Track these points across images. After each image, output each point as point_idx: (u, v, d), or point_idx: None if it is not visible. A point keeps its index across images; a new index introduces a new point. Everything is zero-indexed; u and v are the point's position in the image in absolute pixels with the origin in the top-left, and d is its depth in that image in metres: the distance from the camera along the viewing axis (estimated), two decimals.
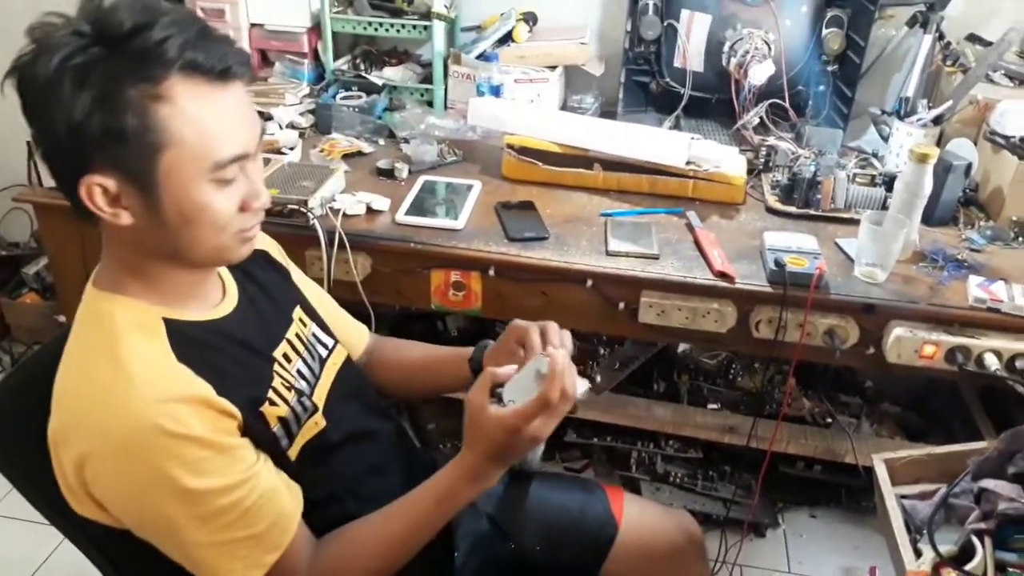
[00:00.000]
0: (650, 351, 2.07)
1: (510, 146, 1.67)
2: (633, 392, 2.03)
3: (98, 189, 0.79)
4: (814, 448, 1.87)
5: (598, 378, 1.96)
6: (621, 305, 1.42)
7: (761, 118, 1.77)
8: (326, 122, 1.85)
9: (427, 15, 1.91)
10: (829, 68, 1.88)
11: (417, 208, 1.54)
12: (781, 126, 1.82)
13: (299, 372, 1.01)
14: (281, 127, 1.81)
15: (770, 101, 1.77)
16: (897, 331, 1.32)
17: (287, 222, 1.47)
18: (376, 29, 1.94)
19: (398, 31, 1.94)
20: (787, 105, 1.80)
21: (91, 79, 0.75)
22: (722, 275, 1.38)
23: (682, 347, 2.11)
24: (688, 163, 1.58)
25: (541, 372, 0.88)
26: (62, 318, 2.38)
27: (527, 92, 1.91)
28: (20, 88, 0.78)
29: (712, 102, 1.91)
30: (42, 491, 0.92)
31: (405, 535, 0.94)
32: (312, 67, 2.01)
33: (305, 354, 1.04)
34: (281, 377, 0.96)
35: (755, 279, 1.38)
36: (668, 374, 2.08)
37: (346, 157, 1.74)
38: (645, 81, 1.97)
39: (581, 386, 0.92)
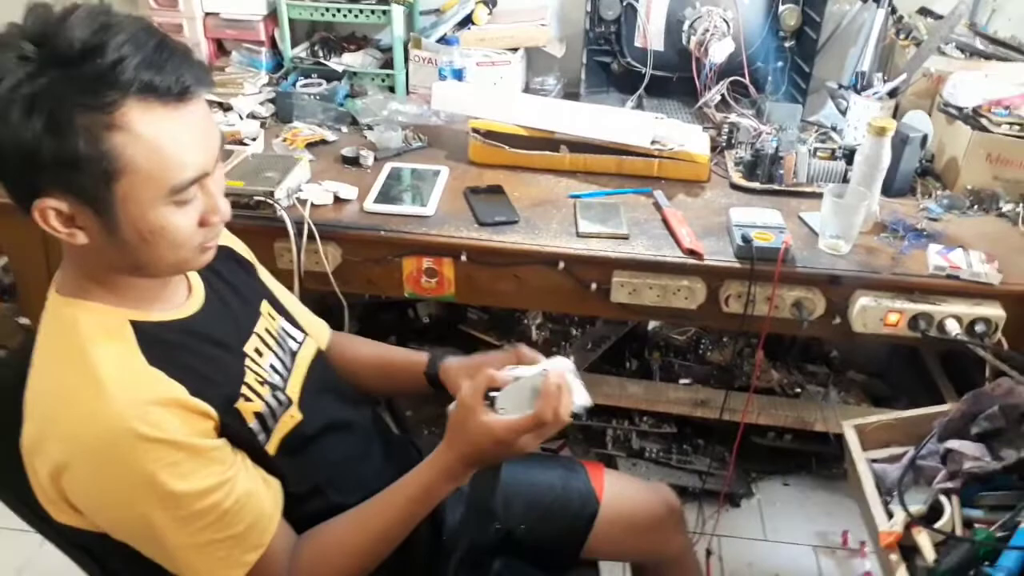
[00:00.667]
0: (621, 330, 2.09)
1: (476, 130, 1.66)
2: (606, 371, 2.07)
3: (52, 212, 0.78)
4: (784, 418, 1.92)
5: (572, 357, 1.98)
6: (593, 286, 1.43)
7: (723, 95, 1.79)
8: (287, 111, 1.83)
9: (385, 0, 1.89)
10: (786, 44, 1.90)
11: (385, 196, 1.53)
12: (742, 103, 1.85)
13: (271, 366, 1.01)
14: (241, 117, 1.79)
15: (731, 78, 1.80)
16: (862, 301, 1.36)
17: (254, 214, 1.45)
18: (334, 15, 1.92)
19: (356, 16, 1.92)
20: (747, 82, 1.82)
21: (40, 106, 0.72)
22: (691, 252, 1.39)
23: (652, 325, 2.14)
24: (653, 142, 1.59)
25: (537, 388, 0.89)
26: (23, 320, 2.33)
27: (489, 75, 1.90)
28: None
29: (673, 81, 1.92)
30: (21, 498, 0.90)
31: (381, 533, 0.96)
32: (270, 55, 1.98)
33: (276, 348, 1.04)
34: (253, 372, 0.96)
35: (723, 255, 1.40)
36: (640, 352, 2.11)
37: (310, 146, 1.72)
38: (607, 61, 1.98)
39: (581, 400, 0.93)
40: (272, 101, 1.87)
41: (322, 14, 1.92)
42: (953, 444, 1.17)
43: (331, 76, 1.92)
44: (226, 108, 1.80)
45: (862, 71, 1.75)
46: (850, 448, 1.27)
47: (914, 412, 1.33)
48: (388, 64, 1.99)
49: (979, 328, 1.33)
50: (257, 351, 0.99)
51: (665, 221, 1.48)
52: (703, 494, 1.91)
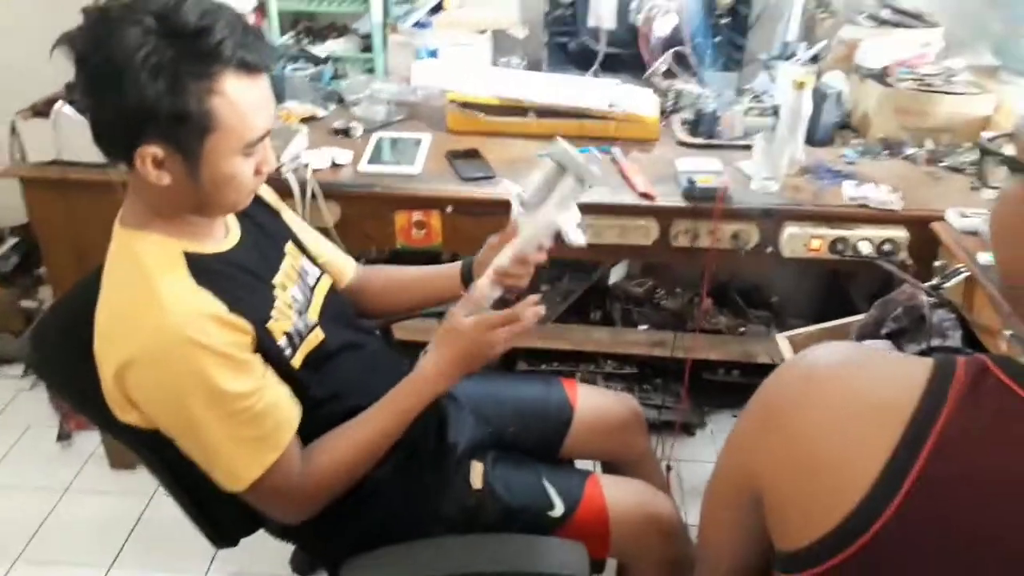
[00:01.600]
0: (586, 284, 2.33)
1: (453, 101, 1.88)
2: (573, 321, 2.29)
3: (149, 157, 0.94)
4: (731, 353, 2.17)
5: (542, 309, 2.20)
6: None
7: (668, 67, 2.03)
8: (279, 92, 2.02)
9: None
10: (722, 21, 2.15)
11: (376, 158, 1.74)
12: (683, 75, 2.09)
13: (294, 297, 1.18)
14: None
15: (674, 50, 2.04)
16: (790, 230, 1.60)
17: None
18: (318, 5, 2.12)
19: (338, 5, 2.12)
20: (689, 53, 2.06)
21: (164, 72, 0.89)
22: (645, 195, 1.63)
23: (613, 279, 2.37)
24: (610, 105, 1.82)
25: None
26: (26, 303, 2.47)
27: (460, 55, 2.12)
28: (86, 68, 0.92)
29: (624, 56, 2.15)
30: (94, 406, 1.07)
31: (375, 438, 1.12)
32: None
33: (298, 281, 1.22)
34: (281, 300, 1.13)
35: (672, 197, 1.64)
36: (602, 303, 2.34)
37: (303, 121, 1.91)
38: (565, 41, 2.20)
39: (575, 233, 1.18)
40: None
41: (307, 4, 2.12)
42: (867, 343, 1.42)
43: (316, 61, 2.12)
44: None
45: (788, 41, 2.00)
46: (785, 356, 1.50)
47: (837, 322, 1.57)
48: (367, 49, 2.19)
49: (887, 248, 1.58)
50: (283, 284, 1.17)
51: (622, 172, 1.72)
52: (662, 425, 2.15)
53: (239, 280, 1.08)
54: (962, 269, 1.45)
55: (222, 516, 1.20)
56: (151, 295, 0.98)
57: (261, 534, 1.31)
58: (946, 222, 1.53)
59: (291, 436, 1.06)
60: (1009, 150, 0.66)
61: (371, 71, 2.18)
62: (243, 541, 1.91)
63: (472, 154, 1.78)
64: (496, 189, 1.65)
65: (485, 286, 1.20)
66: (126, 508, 2.00)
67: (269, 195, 1.32)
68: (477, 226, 1.67)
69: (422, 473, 1.25)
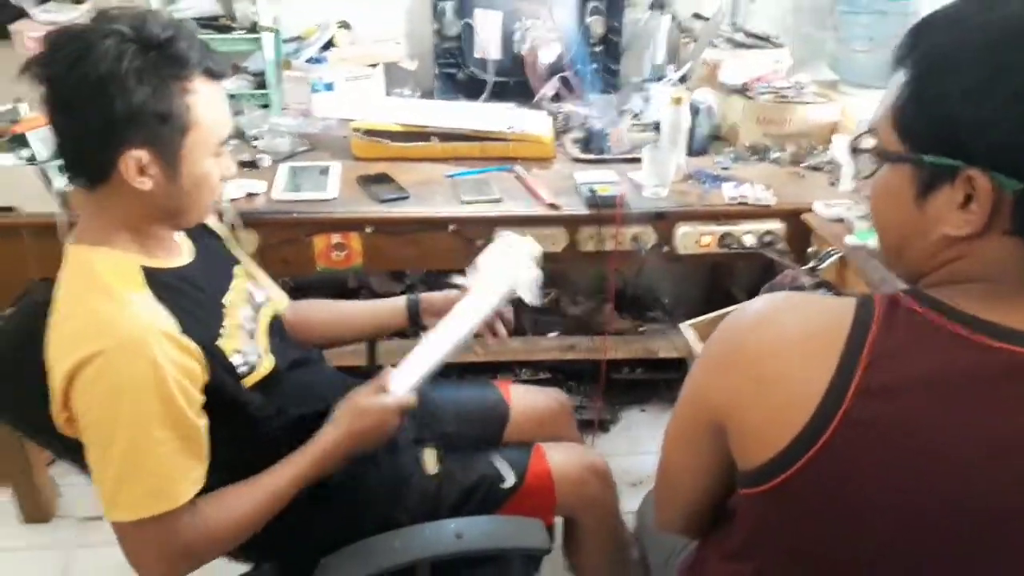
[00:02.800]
0: None
1: (357, 130, 1.95)
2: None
3: (133, 162, 0.99)
4: (636, 350, 2.33)
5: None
6: (479, 242, 1.75)
7: (556, 91, 2.19)
8: None
9: (253, 28, 2.14)
10: (597, 49, 2.34)
11: (290, 187, 1.78)
12: (568, 98, 2.25)
13: (245, 317, 1.22)
14: None
15: (559, 75, 2.20)
16: (683, 229, 1.77)
17: None
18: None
19: (230, 46, 2.15)
20: (571, 77, 2.23)
21: (147, 75, 0.97)
22: (552, 206, 1.76)
23: None
24: (509, 127, 1.95)
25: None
26: None
27: (355, 88, 2.19)
28: (63, 86, 0.96)
29: (511, 84, 2.30)
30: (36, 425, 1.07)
31: (270, 500, 1.12)
32: None
33: (247, 303, 1.25)
34: (231, 319, 1.17)
35: (576, 207, 1.77)
36: (514, 315, 2.45)
37: None
38: (453, 72, 2.32)
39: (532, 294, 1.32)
40: None
41: None
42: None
43: None
44: None
45: (657, 64, 2.21)
46: (690, 342, 1.66)
47: (731, 308, 1.75)
48: (260, 85, 2.23)
49: (768, 239, 1.78)
50: (233, 303, 1.21)
51: (527, 187, 1.84)
52: (581, 424, 2.27)
53: (192, 296, 1.12)
54: (833, 252, 1.66)
55: None
56: (115, 302, 1.00)
57: (208, 567, 1.30)
58: (814, 213, 1.75)
59: (189, 496, 1.03)
60: (869, 143, 0.81)
61: (266, 106, 2.21)
62: None
63: (383, 178, 1.85)
64: (413, 208, 1.73)
65: (399, 382, 1.24)
66: (46, 564, 1.91)
67: (211, 221, 1.35)
68: (397, 244, 1.75)
69: (379, 468, 1.31)
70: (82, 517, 2.03)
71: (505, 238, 1.42)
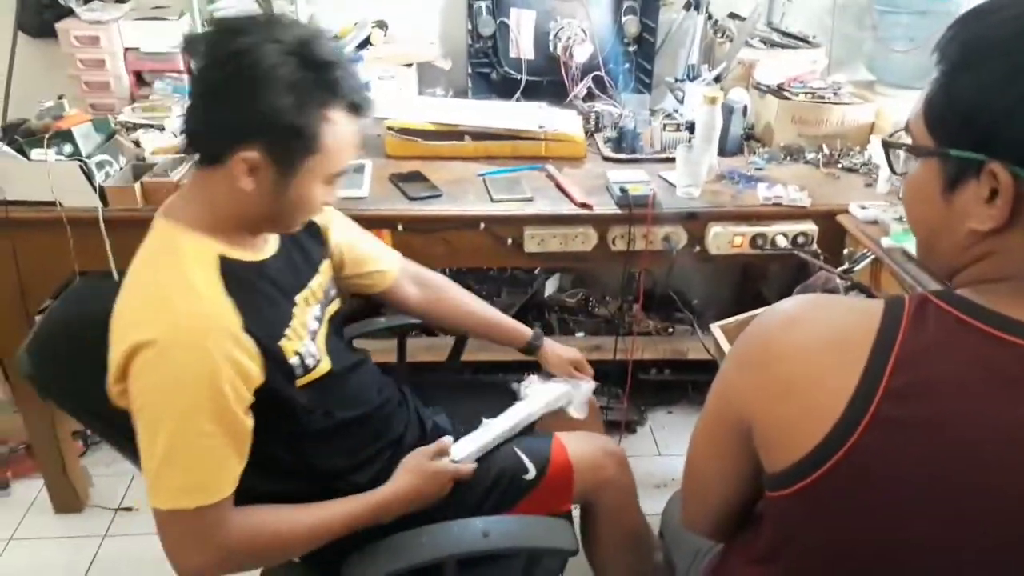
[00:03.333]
0: (523, 298, 2.44)
1: (391, 128, 1.97)
2: None
3: (246, 162, 1.01)
4: (663, 351, 2.32)
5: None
6: (510, 241, 1.77)
7: (589, 89, 2.19)
8: None
9: None
10: (631, 48, 2.33)
11: None
12: (601, 97, 2.25)
13: (313, 317, 1.23)
14: (176, 135, 2.00)
15: (592, 75, 2.20)
16: (715, 229, 1.76)
17: None
18: None
19: None
20: (605, 76, 2.23)
21: (295, 90, 1.00)
22: (583, 205, 1.76)
23: (547, 291, 2.50)
24: (540, 127, 1.96)
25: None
26: None
27: (390, 87, 2.21)
28: (218, 70, 1.00)
29: (544, 83, 2.30)
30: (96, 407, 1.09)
31: (315, 531, 1.13)
32: (189, 83, 2.20)
33: (321, 300, 1.27)
34: (298, 318, 1.18)
35: (607, 206, 1.77)
36: (540, 315, 2.46)
37: None
38: (487, 72, 2.33)
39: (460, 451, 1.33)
40: None
41: None
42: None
43: None
44: (159, 128, 2.01)
45: (692, 64, 2.20)
46: (720, 343, 1.64)
47: (761, 310, 1.73)
48: None
49: (800, 240, 1.77)
50: (306, 300, 1.22)
51: (559, 186, 1.84)
52: (607, 425, 2.27)
53: (265, 293, 1.13)
54: (868, 253, 1.64)
55: None
56: (185, 288, 1.01)
57: None
58: (849, 214, 1.73)
59: (228, 492, 1.04)
60: (901, 139, 0.82)
61: None
62: None
63: (416, 176, 1.87)
64: (444, 206, 1.74)
65: (461, 454, 1.32)
66: (77, 552, 1.95)
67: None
68: (428, 243, 1.77)
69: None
70: (114, 508, 2.07)
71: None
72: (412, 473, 1.24)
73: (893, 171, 0.84)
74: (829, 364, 0.73)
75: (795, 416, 0.74)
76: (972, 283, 0.74)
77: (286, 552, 1.15)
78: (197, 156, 1.07)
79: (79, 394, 1.17)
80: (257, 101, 0.99)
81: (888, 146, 0.82)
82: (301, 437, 1.20)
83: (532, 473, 1.36)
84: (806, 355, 0.75)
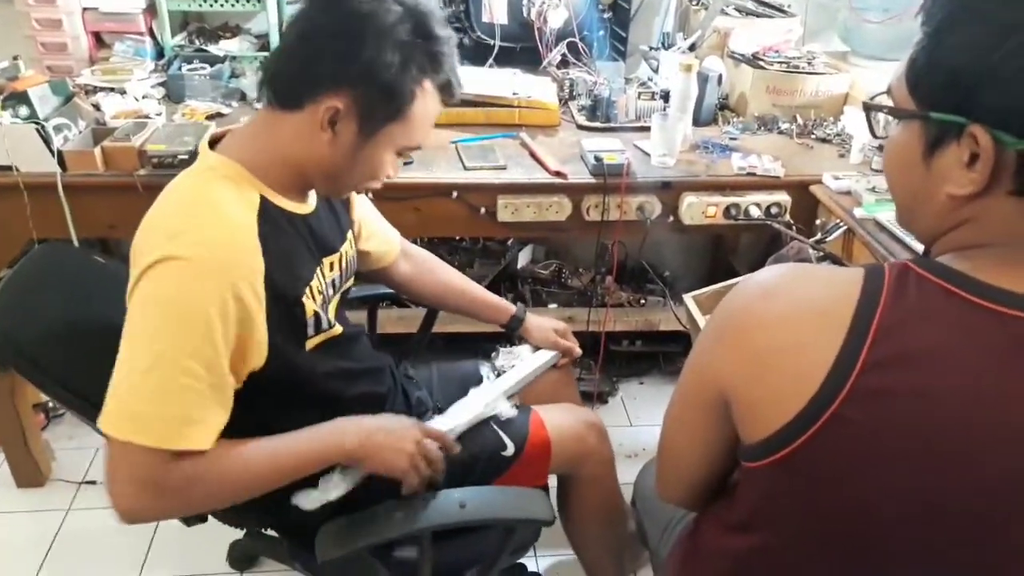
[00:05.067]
0: (496, 269, 2.42)
1: None
2: None
3: (330, 108, 1.00)
4: (635, 322, 2.32)
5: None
6: (482, 210, 1.74)
7: (563, 55, 2.16)
8: (179, 91, 1.99)
9: None
10: (606, 15, 2.30)
11: None
12: (575, 64, 2.22)
13: (332, 282, 1.21)
14: (137, 99, 1.94)
15: (567, 41, 2.16)
16: (688, 199, 1.75)
17: (177, 172, 1.63)
18: (211, 5, 2.11)
19: (232, 6, 2.11)
20: (579, 43, 2.19)
21: (402, 51, 1.00)
22: (558, 174, 1.73)
23: (521, 263, 2.48)
24: (514, 93, 1.92)
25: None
26: None
27: None
28: (337, 8, 0.99)
29: (518, 50, 2.26)
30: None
31: (273, 470, 1.06)
32: (151, 44, 2.13)
33: (344, 269, 1.25)
34: (320, 280, 1.15)
35: (582, 175, 1.75)
36: (513, 286, 2.44)
37: (208, 118, 1.90)
38: (459, 37, 2.28)
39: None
40: (162, 84, 2.03)
41: (200, 5, 2.10)
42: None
43: (214, 60, 2.10)
44: (120, 92, 1.95)
45: (667, 32, 2.18)
46: (692, 313, 1.64)
47: (734, 280, 1.73)
48: (263, 48, 2.19)
49: (774, 211, 1.76)
50: (331, 264, 1.20)
51: (533, 154, 1.82)
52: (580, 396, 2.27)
53: (296, 245, 1.10)
54: (840, 224, 1.64)
55: None
56: (219, 218, 0.99)
57: (197, 531, 1.30)
58: (823, 185, 1.73)
59: (196, 445, 0.98)
60: (883, 102, 0.81)
61: None
62: (177, 542, 1.90)
63: None
64: (416, 174, 1.71)
65: (445, 429, 1.25)
66: (40, 526, 1.91)
67: None
68: (399, 210, 1.73)
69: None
70: (78, 481, 2.03)
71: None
72: (390, 417, 1.18)
73: (874, 134, 0.83)
74: (809, 333, 0.72)
75: (774, 386, 0.73)
76: (952, 250, 0.74)
77: (245, 494, 1.06)
78: (269, 96, 1.04)
79: (50, 362, 1.13)
80: (365, 50, 0.98)
81: (869, 108, 0.81)
82: (305, 403, 1.15)
83: (511, 449, 1.35)
84: (785, 325, 0.74)
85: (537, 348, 1.58)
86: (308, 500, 1.13)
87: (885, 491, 0.70)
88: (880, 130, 0.83)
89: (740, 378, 0.77)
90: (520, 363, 1.53)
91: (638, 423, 2.34)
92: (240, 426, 1.04)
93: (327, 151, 1.04)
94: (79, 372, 1.17)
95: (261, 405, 1.07)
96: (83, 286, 1.30)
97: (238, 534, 1.52)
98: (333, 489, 1.13)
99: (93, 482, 2.02)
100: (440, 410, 1.44)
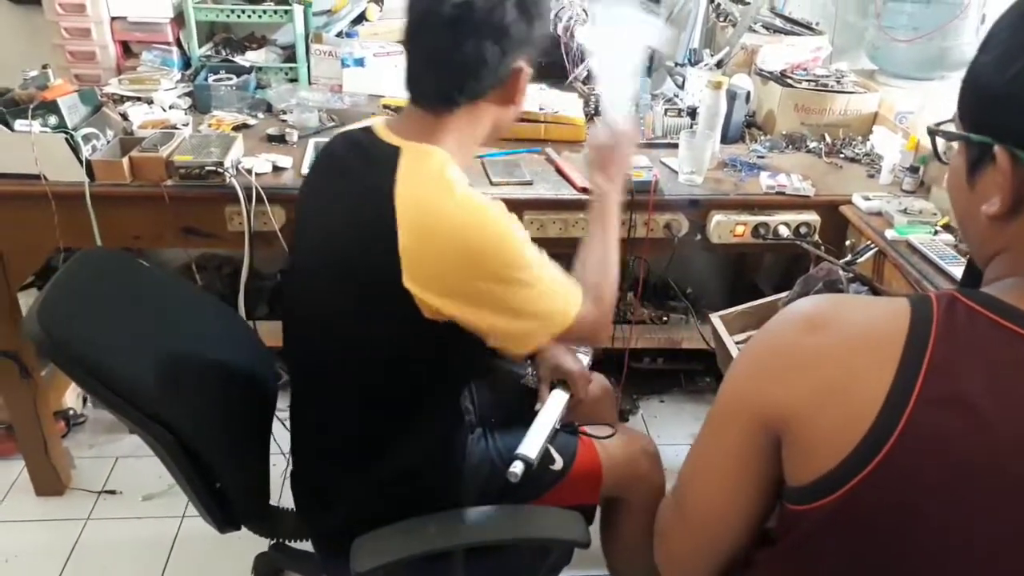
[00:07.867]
0: None
1: (387, 107, 1.92)
2: None
3: (525, 74, 1.14)
4: (658, 340, 2.30)
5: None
6: None
7: (589, 71, 2.14)
8: (205, 102, 2.00)
9: (284, 0, 2.11)
10: None
11: None
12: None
13: None
14: (164, 109, 1.94)
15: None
16: (716, 218, 1.74)
17: (204, 183, 1.63)
18: (239, 16, 2.11)
19: (260, 17, 2.12)
20: None
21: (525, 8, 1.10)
22: (584, 190, 1.72)
23: None
24: (540, 108, 1.91)
25: None
26: None
27: (386, 63, 2.16)
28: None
29: (544, 64, 2.25)
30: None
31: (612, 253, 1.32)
32: (179, 55, 2.13)
33: None
34: None
35: None
36: None
37: (235, 129, 1.90)
38: None
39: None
40: (189, 94, 2.03)
41: (227, 15, 2.11)
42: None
43: (240, 71, 2.11)
44: (147, 101, 1.95)
45: (694, 48, 2.16)
46: (719, 332, 1.62)
47: (763, 300, 1.71)
48: (290, 59, 2.20)
49: (803, 231, 1.74)
50: None
51: (559, 170, 1.81)
52: None
53: None
54: (871, 246, 1.62)
55: (235, 497, 1.19)
56: (462, 183, 1.13)
57: (219, 543, 1.29)
58: (853, 205, 1.71)
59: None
60: (951, 128, 0.80)
61: (294, 80, 2.18)
62: (197, 554, 1.89)
63: None
64: None
65: (532, 451, 1.24)
66: (59, 535, 1.90)
67: None
68: None
69: (465, 447, 1.31)
70: (97, 491, 2.03)
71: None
72: (604, 156, 1.38)
73: (940, 159, 0.82)
74: (861, 367, 0.69)
75: (828, 424, 0.70)
76: (1000, 276, 0.72)
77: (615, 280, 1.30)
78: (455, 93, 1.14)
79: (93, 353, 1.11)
80: (543, 24, 1.14)
81: (931, 133, 0.81)
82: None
83: (559, 463, 1.33)
84: (840, 357, 0.71)
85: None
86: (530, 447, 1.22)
87: (940, 536, 0.67)
88: (943, 155, 0.82)
89: (795, 414, 0.73)
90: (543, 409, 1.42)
91: (659, 442, 2.26)
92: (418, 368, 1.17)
93: (508, 114, 1.21)
94: (129, 372, 1.13)
95: (436, 356, 1.17)
96: (131, 287, 1.30)
97: (262, 547, 1.50)
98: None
99: (113, 492, 2.01)
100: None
